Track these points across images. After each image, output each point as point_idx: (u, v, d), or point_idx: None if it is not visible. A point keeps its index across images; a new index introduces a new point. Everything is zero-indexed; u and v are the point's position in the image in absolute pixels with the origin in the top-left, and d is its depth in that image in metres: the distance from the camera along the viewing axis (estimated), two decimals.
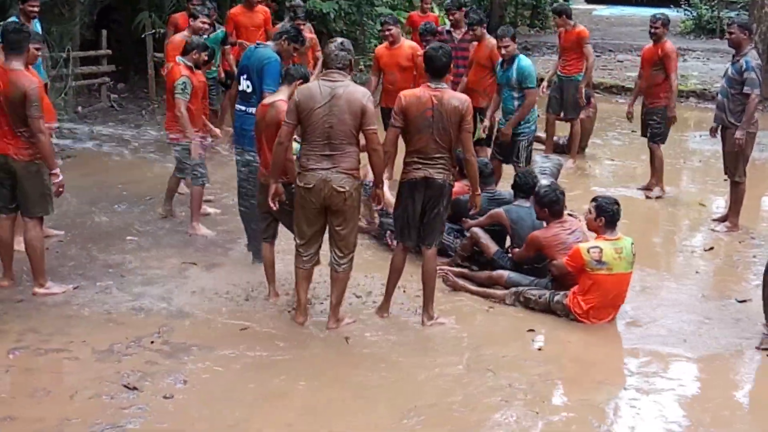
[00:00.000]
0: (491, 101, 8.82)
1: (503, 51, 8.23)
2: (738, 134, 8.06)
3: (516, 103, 8.26)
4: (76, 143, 11.03)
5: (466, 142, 5.85)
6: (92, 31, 13.92)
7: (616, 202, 6.28)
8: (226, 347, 5.61)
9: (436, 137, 5.77)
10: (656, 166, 9.49)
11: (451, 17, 9.57)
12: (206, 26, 8.66)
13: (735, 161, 8.23)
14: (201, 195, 7.86)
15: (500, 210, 6.97)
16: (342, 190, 5.60)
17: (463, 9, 9.63)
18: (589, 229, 6.37)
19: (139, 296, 6.39)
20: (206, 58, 7.87)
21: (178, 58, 7.75)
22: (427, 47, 6.13)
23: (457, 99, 5.84)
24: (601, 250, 6.09)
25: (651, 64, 9.23)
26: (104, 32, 13.31)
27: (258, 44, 7.08)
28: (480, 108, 8.74)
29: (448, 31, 9.42)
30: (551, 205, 6.57)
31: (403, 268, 6.18)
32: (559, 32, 10.91)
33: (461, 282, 6.75)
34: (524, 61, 8.28)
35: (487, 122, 8.63)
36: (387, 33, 9.28)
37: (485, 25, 9.32)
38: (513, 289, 6.47)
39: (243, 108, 6.90)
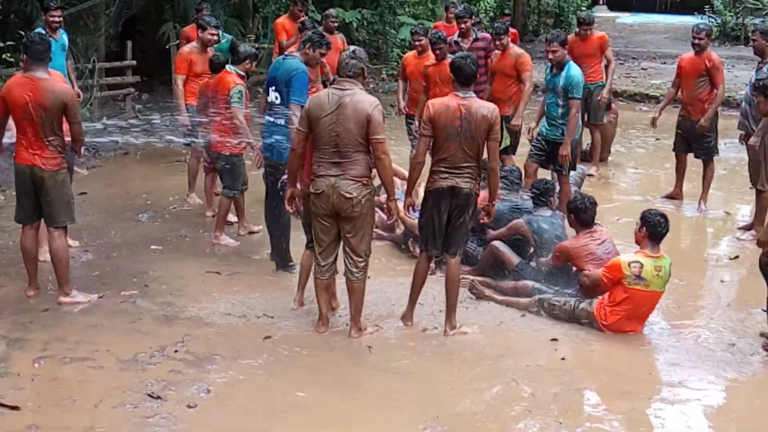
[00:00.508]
0: (516, 109, 8.80)
1: (551, 56, 8.17)
2: (751, 141, 8.05)
3: (560, 110, 8.10)
4: (102, 153, 11.17)
5: (492, 151, 5.85)
6: (117, 42, 14.08)
7: (663, 216, 6.16)
8: (249, 356, 5.63)
9: (464, 146, 5.77)
10: (708, 179, 9.23)
11: (462, 25, 9.42)
12: (215, 37, 8.72)
13: (758, 169, 8.17)
14: (228, 207, 7.89)
15: (521, 220, 6.94)
16: (349, 196, 5.62)
17: (474, 17, 9.54)
18: (635, 241, 6.28)
19: (162, 305, 6.42)
20: (255, 67, 7.89)
21: (230, 67, 7.74)
22: (455, 56, 6.12)
23: (486, 108, 5.84)
24: (642, 265, 6.01)
25: (696, 75, 8.94)
26: (129, 43, 13.44)
27: (286, 55, 7.09)
28: (505, 116, 8.75)
29: (456, 42, 9.32)
30: (578, 213, 6.55)
31: (426, 276, 6.20)
32: (570, 41, 10.77)
33: (487, 291, 6.73)
34: (574, 69, 8.11)
35: (534, 125, 8.54)
36: (417, 43, 9.35)
37: (511, 34, 9.30)
38: (537, 297, 6.44)
39: (272, 119, 6.92)
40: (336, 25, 11.07)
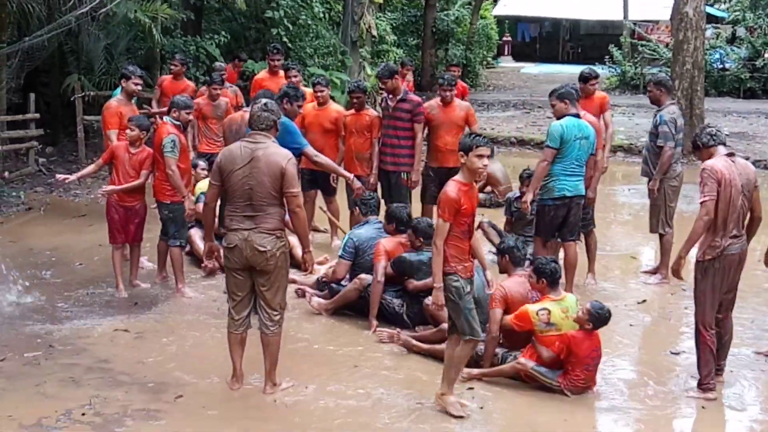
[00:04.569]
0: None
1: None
2: (650, 184, 8.31)
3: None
4: (3, 209, 10.81)
5: None
6: (20, 95, 13.74)
7: (554, 261, 6.31)
8: (160, 417, 5.46)
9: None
10: (594, 250, 8.56)
11: (382, 86, 8.82)
12: (139, 87, 8.62)
13: (657, 213, 8.43)
14: (182, 257, 7.77)
15: None
16: (263, 249, 5.58)
17: (396, 77, 8.71)
18: (533, 290, 6.35)
19: (68, 367, 6.19)
20: (190, 118, 7.90)
21: (166, 118, 7.69)
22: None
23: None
24: (549, 312, 6.05)
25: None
26: (32, 96, 13.14)
27: None
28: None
29: (385, 98, 8.89)
30: (511, 252, 6.60)
31: None
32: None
33: (414, 342, 6.66)
34: (556, 121, 7.60)
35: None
36: (319, 94, 9.14)
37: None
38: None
39: None
40: (225, 77, 11.05)
